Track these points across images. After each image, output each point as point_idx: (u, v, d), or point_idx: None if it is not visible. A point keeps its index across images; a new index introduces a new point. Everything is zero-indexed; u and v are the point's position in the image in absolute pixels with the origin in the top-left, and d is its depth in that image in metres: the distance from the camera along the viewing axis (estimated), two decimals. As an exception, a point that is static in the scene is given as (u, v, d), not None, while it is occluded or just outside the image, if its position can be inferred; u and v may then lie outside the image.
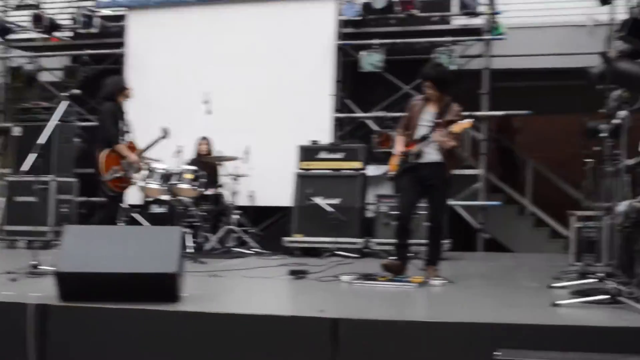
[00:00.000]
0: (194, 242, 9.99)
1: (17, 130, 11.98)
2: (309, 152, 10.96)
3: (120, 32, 13.12)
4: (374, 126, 12.14)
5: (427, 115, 7.57)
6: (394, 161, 7.67)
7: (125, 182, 8.96)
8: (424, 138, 7.48)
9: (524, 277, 8.49)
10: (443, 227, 7.76)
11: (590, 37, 11.26)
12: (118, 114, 8.78)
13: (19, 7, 13.83)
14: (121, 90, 8.89)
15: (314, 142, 11.10)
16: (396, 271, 7.50)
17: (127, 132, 8.91)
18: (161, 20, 12.77)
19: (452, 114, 7.48)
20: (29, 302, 5.47)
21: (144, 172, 9.44)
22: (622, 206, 6.93)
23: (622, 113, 6.71)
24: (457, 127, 7.34)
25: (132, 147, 9.03)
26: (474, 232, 11.72)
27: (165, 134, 9.25)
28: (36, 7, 13.51)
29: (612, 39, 9.28)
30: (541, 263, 9.93)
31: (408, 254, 7.70)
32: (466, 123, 7.38)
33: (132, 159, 8.89)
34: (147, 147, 9.15)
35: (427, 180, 7.49)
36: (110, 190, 8.83)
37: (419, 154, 7.52)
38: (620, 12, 9.25)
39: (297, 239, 10.49)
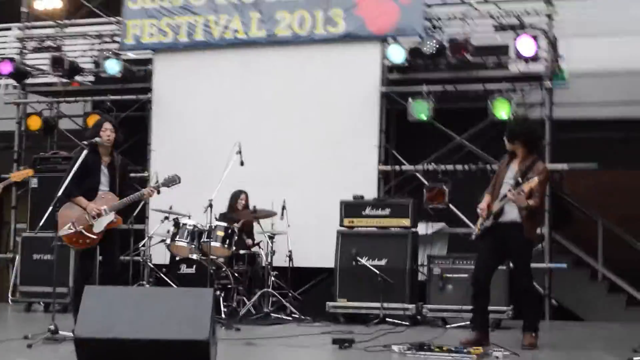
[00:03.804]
0: (227, 306, 10.01)
1: (33, 182, 12.03)
2: (352, 208, 10.76)
3: (145, 77, 13.26)
4: (423, 180, 12.03)
5: (510, 173, 7.92)
6: (479, 221, 8.06)
7: (83, 237, 8.22)
8: (504, 197, 7.79)
9: (598, 348, 8.38)
10: (530, 289, 8.05)
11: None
12: (90, 161, 8.19)
13: (37, 50, 13.90)
14: (97, 131, 8.32)
15: (358, 196, 10.88)
16: (477, 344, 7.55)
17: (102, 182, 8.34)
18: (190, 64, 12.87)
19: (535, 172, 7.73)
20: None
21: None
22: None
23: None
24: (526, 185, 7.62)
25: (108, 199, 8.30)
26: (540, 298, 11.39)
27: (175, 180, 8.61)
28: (56, 49, 13.59)
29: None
30: (618, 333, 9.81)
31: (485, 321, 7.98)
32: (532, 182, 7.63)
33: (87, 208, 8.18)
34: (129, 200, 8.41)
35: (506, 242, 7.84)
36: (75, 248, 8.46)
37: (497, 214, 7.83)
38: None
39: (341, 303, 10.35)
